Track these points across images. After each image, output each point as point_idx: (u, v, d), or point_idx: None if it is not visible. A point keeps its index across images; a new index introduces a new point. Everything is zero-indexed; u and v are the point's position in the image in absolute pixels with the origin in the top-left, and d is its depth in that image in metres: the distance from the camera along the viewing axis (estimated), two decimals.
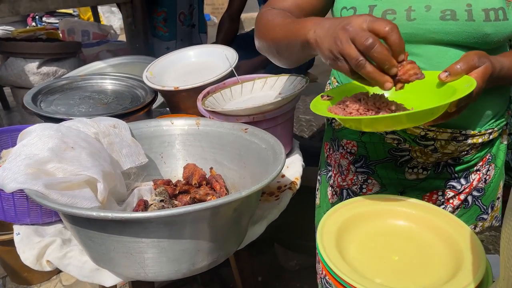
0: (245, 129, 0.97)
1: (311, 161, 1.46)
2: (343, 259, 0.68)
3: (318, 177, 1.05)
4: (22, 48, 2.15)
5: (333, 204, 0.98)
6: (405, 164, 0.87)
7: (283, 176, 1.10)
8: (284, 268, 1.83)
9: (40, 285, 1.78)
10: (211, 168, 1.01)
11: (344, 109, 0.70)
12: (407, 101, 0.72)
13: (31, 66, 2.17)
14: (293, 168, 1.12)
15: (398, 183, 0.90)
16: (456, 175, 0.88)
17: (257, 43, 0.89)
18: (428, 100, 0.70)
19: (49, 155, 0.75)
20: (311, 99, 1.81)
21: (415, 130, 0.82)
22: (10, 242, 1.60)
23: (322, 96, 0.76)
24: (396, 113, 0.65)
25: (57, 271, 1.84)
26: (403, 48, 0.61)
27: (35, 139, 0.77)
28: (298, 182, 1.07)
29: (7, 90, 3.14)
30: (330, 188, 0.97)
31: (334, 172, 0.95)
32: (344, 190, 0.94)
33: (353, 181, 0.93)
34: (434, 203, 0.91)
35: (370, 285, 0.62)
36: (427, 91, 0.72)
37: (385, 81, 0.61)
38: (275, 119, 1.04)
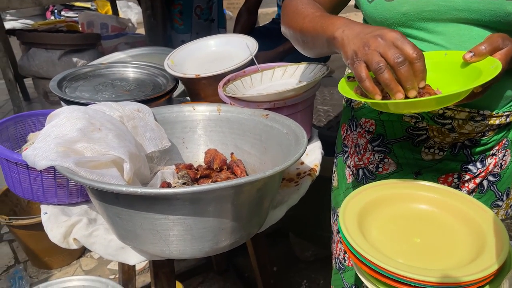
0: (266, 115, 0.99)
1: (329, 151, 1.47)
2: (366, 240, 0.69)
3: (335, 160, 1.06)
4: (44, 38, 2.20)
5: (351, 184, 0.99)
6: (422, 144, 0.88)
7: (302, 163, 1.11)
8: (300, 258, 1.84)
9: (60, 269, 1.82)
10: (232, 153, 1.03)
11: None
12: (432, 81, 0.72)
13: (53, 57, 2.22)
14: (313, 155, 1.13)
15: (414, 163, 0.90)
16: (472, 157, 0.89)
17: (283, 28, 0.91)
18: (453, 80, 0.70)
19: (77, 135, 0.77)
20: (328, 91, 1.83)
21: None
22: (32, 227, 1.65)
23: (348, 78, 0.76)
24: (428, 97, 0.65)
25: (77, 256, 1.88)
26: (425, 76, 0.65)
27: (64, 120, 0.79)
28: (318, 169, 1.08)
29: (27, 82, 3.21)
30: (347, 168, 0.99)
31: (351, 153, 0.97)
32: (360, 170, 0.95)
33: (369, 160, 0.94)
34: (449, 186, 0.91)
35: (393, 264, 0.63)
36: (451, 71, 0.72)
37: (398, 91, 0.65)
38: (295, 106, 1.05)
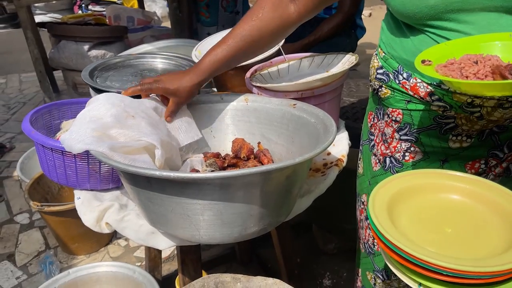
0: (294, 104, 0.99)
1: (354, 143, 1.46)
2: (395, 228, 0.69)
3: (360, 148, 1.06)
4: (73, 31, 2.25)
5: (378, 172, 0.98)
6: (449, 132, 0.87)
7: (329, 153, 1.11)
8: (322, 250, 1.84)
9: (89, 256, 1.88)
10: (258, 143, 1.04)
11: (461, 72, 0.68)
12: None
13: (82, 49, 2.27)
14: (340, 146, 1.12)
15: (441, 151, 0.89)
16: (499, 143, 0.87)
17: None
18: None
19: (112, 121, 0.79)
20: (354, 82, 1.81)
21: (461, 97, 0.81)
22: (62, 213, 1.71)
23: (422, 61, 0.74)
24: None
25: (105, 244, 1.93)
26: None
27: (99, 106, 0.82)
28: (345, 159, 1.08)
29: (56, 74, 3.29)
30: (373, 156, 0.99)
31: (377, 141, 0.96)
32: (388, 158, 0.95)
33: (396, 148, 0.93)
34: (477, 172, 0.91)
35: (424, 252, 0.62)
36: None
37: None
38: (323, 96, 1.05)
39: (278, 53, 1.25)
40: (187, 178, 0.65)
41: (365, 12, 5.73)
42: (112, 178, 0.98)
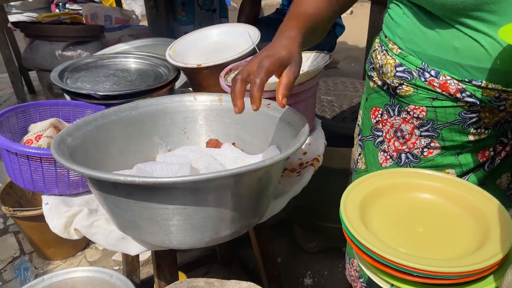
0: (268, 104, 0.97)
1: (333, 142, 1.46)
2: (367, 229, 0.68)
3: (360, 143, 1.04)
4: (47, 31, 2.19)
5: (386, 168, 0.97)
6: (471, 126, 0.87)
7: (305, 153, 1.10)
8: (303, 249, 1.84)
9: (65, 260, 1.83)
10: (233, 144, 1.02)
11: None
12: None
13: (56, 49, 2.21)
14: (315, 145, 1.12)
15: (459, 145, 0.90)
16: (508, 131, 0.89)
17: None
18: None
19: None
20: (332, 81, 1.81)
21: (491, 92, 0.81)
22: (36, 218, 1.66)
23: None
24: None
25: (82, 248, 1.89)
26: None
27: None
28: (320, 159, 1.07)
29: (32, 75, 3.22)
30: (382, 153, 0.97)
31: (388, 137, 0.95)
32: (403, 154, 0.94)
33: (415, 145, 0.93)
34: (487, 159, 0.92)
35: (394, 254, 0.62)
36: None
37: None
38: (297, 95, 1.04)
39: (253, 52, 1.23)
40: (152, 183, 0.63)
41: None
42: (82, 183, 0.95)
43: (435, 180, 0.77)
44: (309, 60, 1.13)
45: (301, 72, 1.05)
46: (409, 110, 0.90)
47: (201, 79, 1.24)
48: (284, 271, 1.75)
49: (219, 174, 0.65)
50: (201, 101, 1.05)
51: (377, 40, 0.94)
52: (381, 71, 0.90)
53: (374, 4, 2.54)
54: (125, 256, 1.44)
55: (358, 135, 1.06)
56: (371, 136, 1.00)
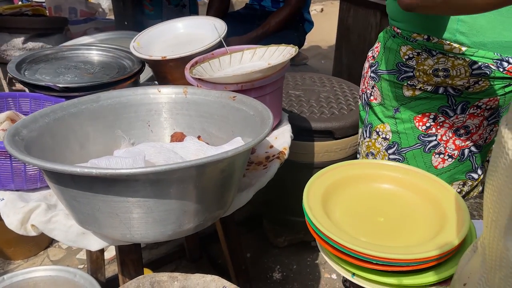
0: (233, 97, 0.97)
1: (300, 137, 1.47)
2: (329, 220, 0.69)
3: (397, 156, 1.00)
4: (6, 22, 2.10)
5: (447, 168, 0.97)
6: None
7: (271, 146, 1.10)
8: (273, 244, 1.84)
9: (27, 260, 1.77)
10: (199, 137, 1.01)
11: None
12: None
13: (17, 41, 2.12)
14: (282, 138, 1.11)
15: None
16: None
17: None
18: None
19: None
20: (300, 76, 1.82)
21: None
22: None
23: None
24: None
25: (45, 247, 1.83)
26: None
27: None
28: (287, 152, 1.07)
29: None
30: (436, 155, 0.96)
31: (445, 139, 0.94)
32: (466, 150, 0.94)
33: (481, 136, 0.93)
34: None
35: (355, 242, 0.62)
36: None
37: None
38: (263, 88, 1.04)
39: (220, 45, 1.22)
40: (110, 174, 0.61)
41: (317, 8, 5.81)
42: (40, 177, 0.91)
43: (395, 171, 0.78)
44: (276, 53, 1.13)
45: (267, 65, 1.04)
46: (480, 104, 0.89)
47: (166, 72, 1.22)
48: (253, 266, 1.75)
49: (179, 165, 0.63)
50: (166, 93, 1.03)
51: (408, 47, 0.91)
52: (440, 75, 0.87)
53: (343, 2, 2.57)
54: (89, 254, 1.40)
55: (389, 149, 1.01)
56: (419, 144, 0.97)
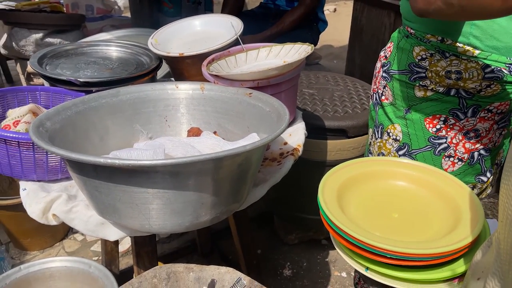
0: (250, 93, 0.98)
1: (313, 135, 1.48)
2: (344, 214, 0.70)
3: (413, 157, 1.00)
4: (26, 18, 2.15)
5: (458, 171, 0.97)
6: None
7: (285, 143, 1.12)
8: (283, 241, 1.85)
9: (43, 251, 1.81)
10: (214, 132, 1.03)
11: None
12: None
13: (35, 37, 2.17)
14: (296, 136, 1.13)
15: None
16: None
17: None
18: None
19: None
20: (314, 74, 1.82)
21: None
22: (13, 207, 1.63)
23: None
24: None
25: (60, 238, 1.87)
26: None
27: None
28: (300, 149, 1.08)
29: (10, 64, 3.14)
30: (446, 158, 0.96)
31: (455, 142, 0.94)
32: (476, 153, 0.95)
33: (491, 139, 0.94)
34: None
35: (369, 236, 0.64)
36: None
37: None
38: (279, 85, 1.05)
39: (236, 43, 1.24)
40: (133, 165, 0.63)
41: (330, 8, 5.80)
42: (60, 169, 0.94)
43: (409, 168, 0.79)
44: (291, 51, 1.14)
45: (283, 63, 1.06)
46: (491, 108, 0.90)
47: (183, 68, 1.24)
48: (264, 262, 1.76)
49: (198, 158, 0.65)
50: (183, 89, 1.05)
51: (421, 48, 0.91)
52: (453, 78, 0.88)
53: (356, 2, 2.57)
54: (104, 246, 1.43)
55: (399, 150, 1.02)
56: (429, 146, 0.97)
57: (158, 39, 1.30)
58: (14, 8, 2.58)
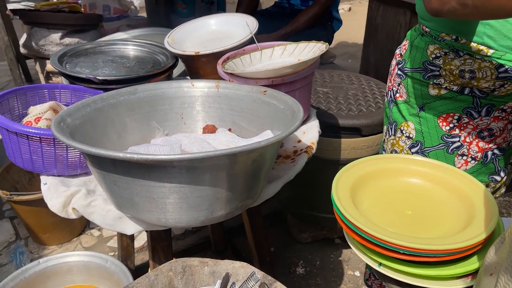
0: (264, 91, 0.99)
1: (327, 133, 1.48)
2: (357, 210, 0.70)
3: (425, 155, 1.00)
4: (45, 18, 2.19)
5: (471, 170, 0.97)
6: None
7: (299, 141, 1.13)
8: (296, 239, 1.86)
9: (61, 246, 1.85)
10: (229, 129, 1.04)
11: None
12: None
13: (54, 37, 2.21)
14: (310, 133, 1.14)
15: None
16: None
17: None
18: None
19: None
20: (328, 73, 1.83)
21: None
22: (32, 203, 1.67)
23: None
24: None
25: (77, 234, 1.91)
26: None
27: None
28: (314, 146, 1.09)
29: (29, 64, 3.21)
30: (459, 157, 0.96)
31: (468, 140, 0.94)
32: (489, 152, 0.95)
33: (505, 139, 0.94)
34: None
35: (382, 232, 0.64)
36: None
37: None
38: (293, 84, 1.06)
39: (251, 42, 1.25)
40: (151, 160, 0.65)
41: (345, 7, 5.77)
42: (80, 164, 0.97)
43: (423, 165, 0.79)
44: (306, 50, 1.15)
45: (297, 61, 1.07)
46: (505, 108, 0.90)
47: (199, 67, 1.25)
48: (277, 260, 1.78)
49: (214, 153, 0.67)
50: (199, 87, 1.06)
51: (435, 46, 0.91)
52: (466, 77, 0.88)
53: (372, 1, 2.56)
54: (120, 241, 1.45)
55: (412, 147, 1.02)
56: (442, 145, 0.97)
57: (174, 38, 1.32)
58: (33, 8, 2.64)
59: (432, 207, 0.74)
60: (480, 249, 0.65)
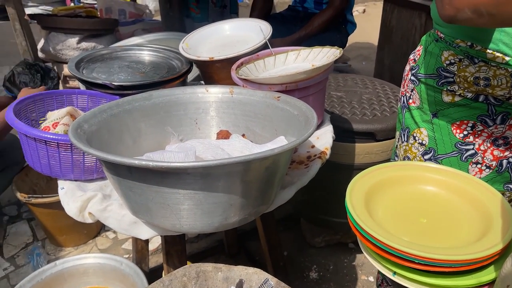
0: (278, 97, 1.00)
1: (341, 138, 1.48)
2: (372, 218, 0.70)
3: (438, 162, 0.98)
4: (62, 23, 2.23)
5: (485, 178, 0.95)
6: None
7: (313, 146, 1.12)
8: (310, 244, 1.86)
9: (77, 248, 1.88)
10: (243, 135, 1.04)
11: None
12: None
13: (71, 41, 2.25)
14: (324, 139, 1.13)
15: None
16: None
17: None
18: None
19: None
20: (342, 77, 1.82)
21: None
22: (50, 205, 1.70)
23: None
24: None
25: (93, 236, 1.93)
26: None
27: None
28: (328, 152, 1.09)
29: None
30: (474, 165, 0.95)
31: (482, 149, 0.93)
32: (504, 160, 0.93)
33: None
34: None
35: (397, 241, 0.64)
36: None
37: None
38: (307, 89, 1.06)
39: (265, 47, 1.26)
40: (166, 167, 0.66)
41: (359, 9, 5.74)
42: (96, 169, 0.98)
43: (439, 173, 0.79)
44: (320, 55, 1.15)
45: (311, 66, 1.07)
46: None
47: (213, 72, 1.26)
48: (290, 264, 1.77)
49: (228, 160, 0.67)
50: (213, 93, 1.07)
51: (450, 52, 0.91)
52: (481, 84, 0.87)
53: (386, 3, 2.55)
54: (135, 244, 1.47)
55: (425, 154, 1.00)
56: (455, 152, 0.96)
57: (189, 44, 1.34)
58: (51, 13, 2.69)
59: (448, 216, 0.73)
60: (497, 259, 0.64)
